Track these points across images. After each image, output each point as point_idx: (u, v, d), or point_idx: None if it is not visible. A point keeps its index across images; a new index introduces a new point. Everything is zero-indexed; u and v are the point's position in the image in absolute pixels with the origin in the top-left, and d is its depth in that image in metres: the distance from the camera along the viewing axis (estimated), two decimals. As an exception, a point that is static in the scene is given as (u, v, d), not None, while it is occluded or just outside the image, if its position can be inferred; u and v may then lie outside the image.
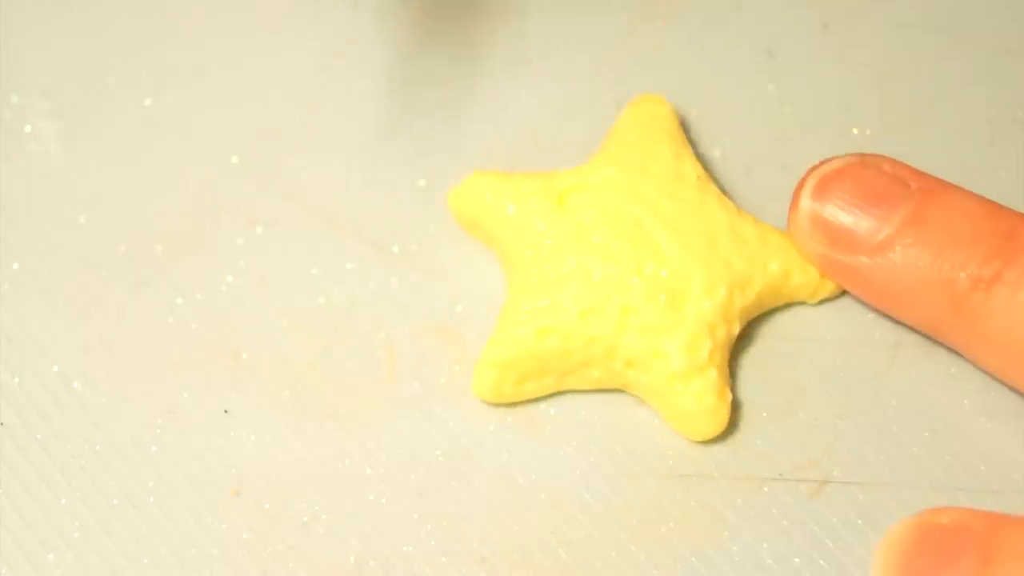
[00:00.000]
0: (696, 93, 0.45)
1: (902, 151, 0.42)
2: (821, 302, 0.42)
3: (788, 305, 0.42)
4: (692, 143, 0.44)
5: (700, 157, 0.43)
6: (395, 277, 0.43)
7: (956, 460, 0.40)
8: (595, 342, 0.40)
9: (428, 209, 0.44)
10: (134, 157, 0.45)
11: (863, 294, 0.41)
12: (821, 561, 0.39)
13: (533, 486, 0.40)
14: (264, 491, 0.40)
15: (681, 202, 0.41)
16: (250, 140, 0.45)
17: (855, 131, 0.45)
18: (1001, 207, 0.40)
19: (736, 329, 0.41)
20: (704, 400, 0.40)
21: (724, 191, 0.43)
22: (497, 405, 0.41)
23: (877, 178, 0.40)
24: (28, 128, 0.45)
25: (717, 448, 0.40)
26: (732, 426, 0.40)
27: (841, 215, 0.40)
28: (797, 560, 0.39)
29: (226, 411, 0.41)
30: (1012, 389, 0.40)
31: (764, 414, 0.41)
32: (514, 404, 0.41)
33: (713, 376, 0.40)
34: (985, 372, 0.41)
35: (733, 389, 0.41)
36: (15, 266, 0.43)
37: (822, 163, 0.41)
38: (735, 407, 0.41)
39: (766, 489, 0.40)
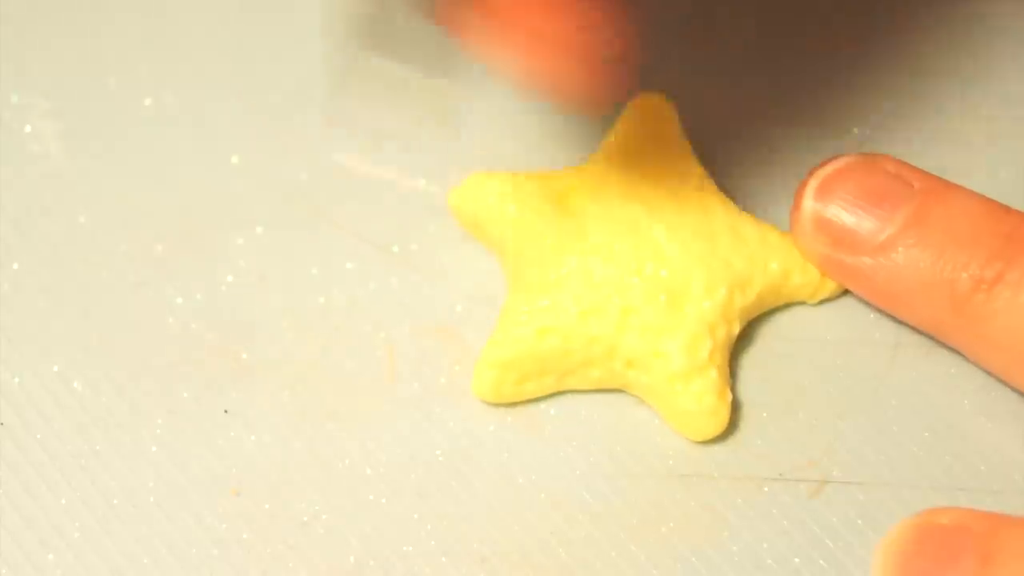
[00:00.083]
0: (696, 92, 0.45)
1: (902, 151, 0.42)
2: (821, 302, 0.42)
3: (788, 305, 0.42)
4: (693, 143, 0.44)
5: (701, 157, 0.43)
6: (395, 277, 0.43)
7: (956, 460, 0.40)
8: (595, 342, 0.40)
9: (428, 209, 0.44)
10: (134, 157, 0.45)
11: (865, 294, 0.41)
12: (821, 561, 0.39)
13: (533, 486, 0.40)
14: (264, 491, 0.40)
15: (681, 202, 0.41)
16: (250, 140, 0.45)
17: (855, 131, 0.45)
18: (1003, 207, 0.40)
19: (736, 329, 0.41)
20: (704, 400, 0.40)
21: (724, 191, 0.43)
22: (497, 405, 0.41)
23: (879, 178, 0.40)
24: (28, 128, 0.45)
25: (717, 448, 0.40)
26: (732, 426, 0.40)
27: (843, 215, 0.40)
28: (797, 560, 0.39)
29: (226, 411, 0.41)
30: (1014, 389, 0.40)
31: (764, 414, 0.41)
32: (514, 404, 0.41)
33: (713, 376, 0.40)
34: (987, 372, 0.41)
35: (733, 389, 0.41)
36: (15, 266, 0.43)
37: (824, 163, 0.41)
38: (735, 407, 0.41)
39: (766, 489, 0.40)
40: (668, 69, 0.45)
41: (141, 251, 0.43)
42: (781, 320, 0.42)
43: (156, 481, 0.40)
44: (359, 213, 0.44)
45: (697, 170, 0.42)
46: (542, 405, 0.41)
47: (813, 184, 0.41)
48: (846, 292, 0.42)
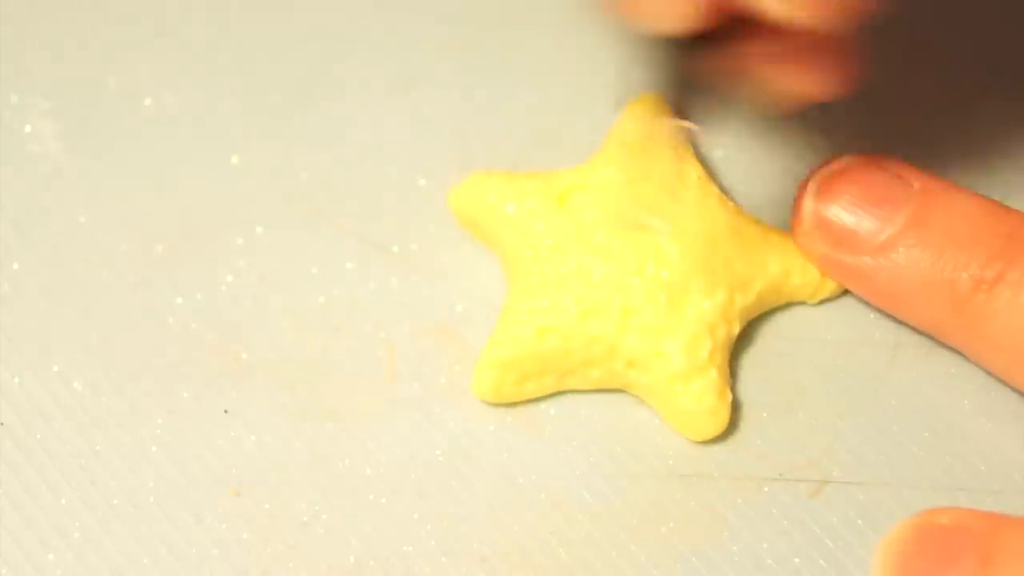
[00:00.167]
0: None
1: (903, 151, 0.42)
2: (821, 302, 0.42)
3: (788, 305, 0.42)
4: (693, 143, 0.44)
5: (701, 158, 0.43)
6: (395, 277, 0.43)
7: (956, 460, 0.40)
8: (595, 342, 0.40)
9: (428, 209, 0.44)
10: (134, 157, 0.45)
11: (866, 294, 0.41)
12: (821, 561, 0.39)
13: (533, 486, 0.40)
14: (264, 491, 0.40)
15: (682, 202, 0.41)
16: (250, 140, 0.45)
17: (855, 131, 0.45)
18: (1003, 207, 0.40)
19: (736, 329, 0.41)
20: (704, 400, 0.40)
21: (725, 191, 0.43)
22: (497, 405, 0.41)
23: (880, 178, 0.40)
24: (28, 128, 0.45)
25: (717, 448, 0.40)
26: (732, 426, 0.40)
27: (844, 216, 0.40)
28: (797, 560, 0.39)
29: (226, 411, 0.41)
30: (1014, 389, 0.40)
31: (764, 414, 0.41)
32: (514, 404, 0.41)
33: (713, 376, 0.40)
34: (987, 372, 0.41)
35: (733, 389, 0.41)
36: (15, 266, 0.43)
37: (825, 163, 0.41)
38: (735, 407, 0.41)
39: (766, 489, 0.40)
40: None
41: (141, 251, 0.43)
42: (781, 320, 0.42)
43: (156, 481, 0.40)
44: (359, 213, 0.44)
45: (698, 170, 0.42)
46: (542, 405, 0.41)
47: (814, 184, 0.41)
48: (846, 292, 0.42)
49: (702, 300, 0.40)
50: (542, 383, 0.41)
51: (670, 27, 0.36)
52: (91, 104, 0.46)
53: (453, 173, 0.44)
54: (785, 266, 0.41)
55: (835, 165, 0.41)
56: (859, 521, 0.39)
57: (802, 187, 0.41)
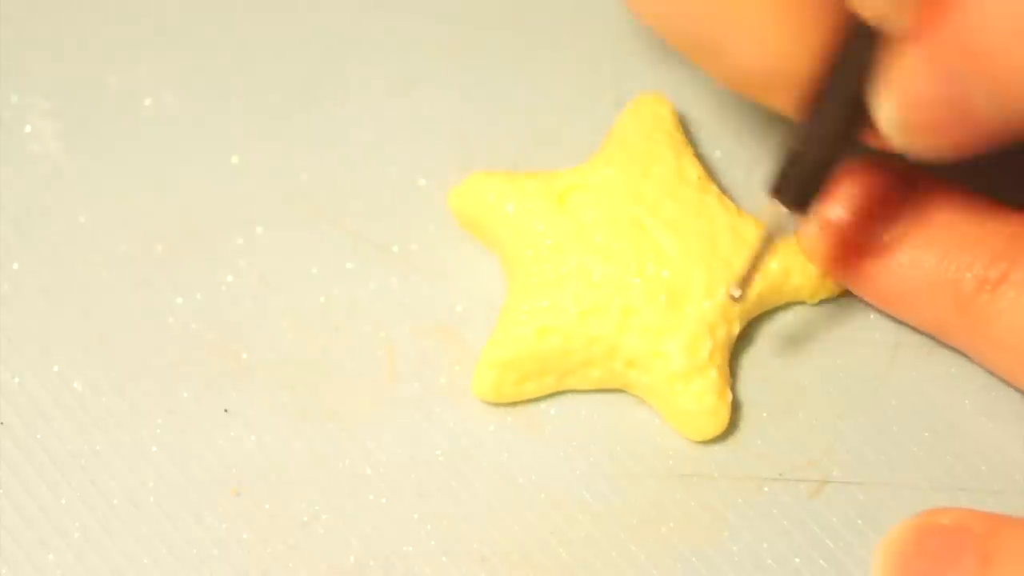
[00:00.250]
0: (696, 93, 0.45)
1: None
2: (821, 302, 0.42)
3: (788, 305, 0.42)
4: (693, 143, 0.44)
5: (701, 157, 0.43)
6: (395, 277, 0.43)
7: (956, 460, 0.40)
8: (595, 342, 0.40)
9: (428, 209, 0.44)
10: (134, 157, 0.45)
11: (868, 296, 0.41)
12: (821, 561, 0.39)
13: (533, 486, 0.40)
14: (264, 491, 0.40)
15: (682, 202, 0.41)
16: (250, 140, 0.45)
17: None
18: (1006, 207, 0.40)
19: (736, 329, 0.41)
20: (704, 400, 0.40)
21: (724, 192, 0.43)
22: (497, 405, 0.41)
23: (882, 179, 0.40)
24: (28, 128, 0.45)
25: (717, 448, 0.40)
26: (732, 426, 0.40)
27: (846, 217, 0.40)
28: (797, 560, 0.39)
29: (226, 411, 0.41)
30: (1017, 390, 0.40)
31: (764, 414, 0.41)
32: (514, 404, 0.41)
33: (713, 376, 0.40)
34: (988, 372, 0.41)
35: (733, 389, 0.41)
36: (15, 266, 0.43)
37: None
38: (735, 407, 0.41)
39: (766, 489, 0.40)
40: (670, 69, 0.45)
41: (141, 251, 0.43)
42: (781, 320, 0.42)
43: (156, 481, 0.40)
44: (359, 213, 0.44)
45: (698, 170, 0.42)
46: (542, 405, 0.41)
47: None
48: (846, 292, 0.42)
49: (702, 300, 0.40)
50: (542, 383, 0.41)
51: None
52: (91, 104, 0.46)
53: (453, 173, 0.44)
54: (785, 266, 0.41)
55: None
56: (859, 521, 0.39)
57: None
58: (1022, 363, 0.39)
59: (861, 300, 0.42)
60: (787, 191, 0.38)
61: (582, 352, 0.40)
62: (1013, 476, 0.40)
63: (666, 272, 0.40)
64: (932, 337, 0.41)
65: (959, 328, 0.40)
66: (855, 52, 0.36)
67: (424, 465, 0.40)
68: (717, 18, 0.36)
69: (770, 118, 0.45)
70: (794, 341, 0.42)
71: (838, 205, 0.40)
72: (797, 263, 0.41)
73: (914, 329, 0.41)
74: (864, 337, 0.42)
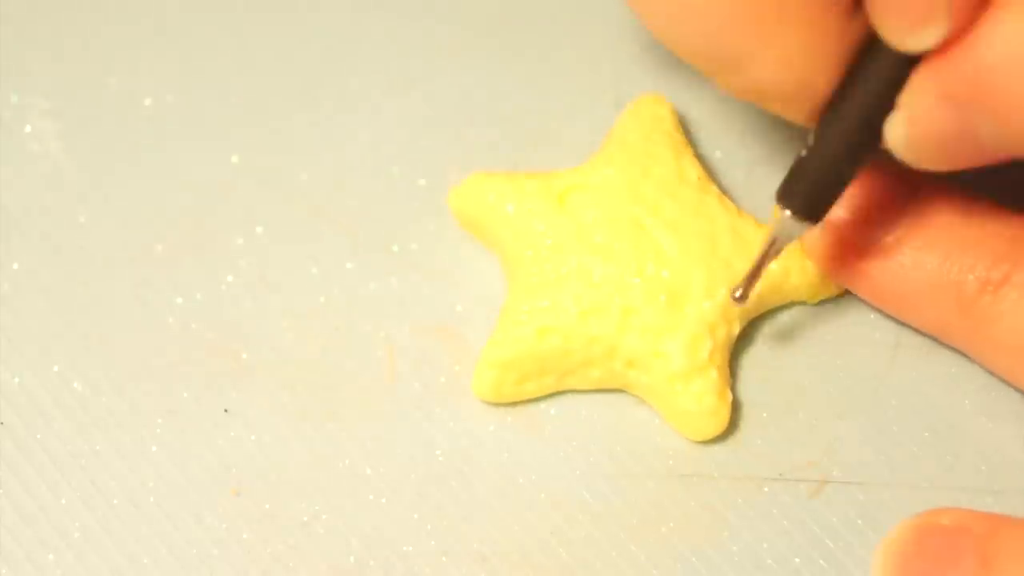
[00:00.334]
0: (696, 93, 0.45)
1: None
2: (821, 302, 0.42)
3: (788, 305, 0.42)
4: (693, 144, 0.44)
5: (701, 158, 0.43)
6: (395, 277, 0.43)
7: (956, 460, 0.40)
8: (595, 342, 0.40)
9: (428, 209, 0.44)
10: (134, 157, 0.45)
11: (870, 297, 0.41)
12: (821, 561, 0.39)
13: (533, 486, 0.40)
14: (264, 491, 0.40)
15: (681, 203, 0.41)
16: (250, 140, 0.45)
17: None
18: (1007, 209, 0.40)
19: (736, 329, 0.41)
20: (704, 400, 0.40)
21: (724, 192, 0.43)
22: (497, 405, 0.41)
23: (884, 181, 0.40)
24: (28, 128, 0.45)
25: (717, 448, 0.40)
26: (732, 426, 0.40)
27: (848, 218, 0.40)
28: (797, 560, 0.39)
29: (226, 411, 0.41)
30: (1019, 391, 0.40)
31: (764, 414, 0.41)
32: (514, 404, 0.41)
33: (713, 376, 0.40)
34: (988, 372, 0.41)
35: (733, 389, 0.41)
36: (15, 266, 0.43)
37: None
38: (735, 407, 0.41)
39: (766, 489, 0.40)
40: (670, 69, 0.45)
41: (141, 251, 0.43)
42: (781, 320, 0.42)
43: (156, 481, 0.40)
44: (359, 213, 0.44)
45: (698, 171, 0.42)
46: (542, 405, 0.41)
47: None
48: (846, 292, 0.42)
49: (702, 300, 0.40)
50: (542, 383, 0.41)
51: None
52: (91, 104, 0.46)
53: (453, 173, 0.44)
54: (785, 266, 0.41)
55: None
56: (859, 521, 0.39)
57: None
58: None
59: (861, 300, 0.42)
60: (794, 198, 0.38)
61: (582, 352, 0.40)
62: (1013, 476, 0.40)
63: (666, 272, 0.40)
64: (932, 337, 0.41)
65: (961, 329, 0.40)
66: (872, 68, 0.36)
67: (424, 465, 0.40)
68: (737, 34, 0.36)
69: (771, 120, 0.45)
70: (794, 341, 0.42)
71: (840, 206, 0.40)
72: (797, 263, 0.41)
73: (914, 329, 0.41)
74: (864, 337, 0.42)
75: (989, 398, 0.41)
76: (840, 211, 0.40)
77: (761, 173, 0.44)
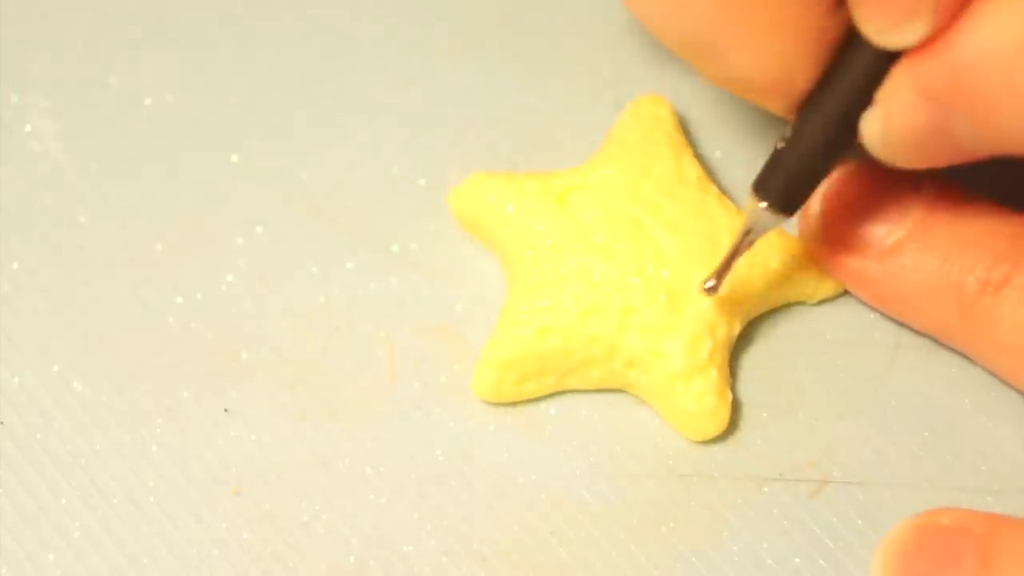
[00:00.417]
0: (696, 93, 0.45)
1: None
2: (821, 302, 0.42)
3: (788, 305, 0.42)
4: (692, 144, 0.44)
5: (700, 158, 0.43)
6: (395, 277, 0.43)
7: (956, 460, 0.40)
8: (595, 342, 0.40)
9: (428, 209, 0.44)
10: (134, 157, 0.45)
11: (871, 298, 0.41)
12: (821, 561, 0.39)
13: (533, 486, 0.40)
14: (264, 491, 0.40)
15: (681, 203, 0.41)
16: (250, 140, 0.45)
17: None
18: (1007, 210, 0.40)
19: (736, 329, 0.41)
20: (704, 400, 0.40)
21: (724, 192, 0.43)
22: (497, 405, 0.41)
23: (885, 182, 0.40)
24: (28, 128, 0.45)
25: (717, 448, 0.40)
26: (732, 426, 0.40)
27: (848, 218, 0.40)
28: (797, 560, 0.39)
29: (226, 411, 0.41)
30: (1019, 391, 0.40)
31: (764, 414, 0.41)
32: (514, 404, 0.41)
33: (713, 376, 0.40)
34: (989, 373, 0.41)
35: (733, 389, 0.41)
36: (15, 266, 0.43)
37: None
38: (735, 407, 0.41)
39: (766, 489, 0.40)
40: (670, 70, 0.45)
41: (141, 251, 0.43)
42: (781, 320, 0.42)
43: (156, 481, 0.40)
44: (359, 213, 0.44)
45: (697, 171, 0.42)
46: (542, 405, 0.41)
47: (820, 188, 0.41)
48: (846, 292, 0.42)
49: (702, 300, 0.40)
50: (542, 383, 0.41)
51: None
52: (91, 104, 0.46)
53: (453, 173, 0.44)
54: (785, 266, 0.41)
55: (841, 171, 0.41)
56: (859, 521, 0.39)
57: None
58: (1024, 365, 0.39)
59: (861, 300, 0.42)
60: (770, 190, 0.38)
61: (582, 352, 0.40)
62: (1013, 476, 0.40)
63: (666, 272, 0.40)
64: (932, 337, 0.41)
65: (961, 330, 0.40)
66: (850, 63, 0.37)
67: (424, 465, 0.40)
68: (720, 25, 0.37)
69: (770, 119, 0.45)
70: (794, 341, 0.42)
71: (840, 206, 0.40)
72: (797, 263, 0.41)
73: (914, 329, 0.41)
74: (864, 337, 0.42)
75: (989, 398, 0.41)
76: (841, 211, 0.40)
77: (761, 173, 0.44)
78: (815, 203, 0.41)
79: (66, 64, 0.46)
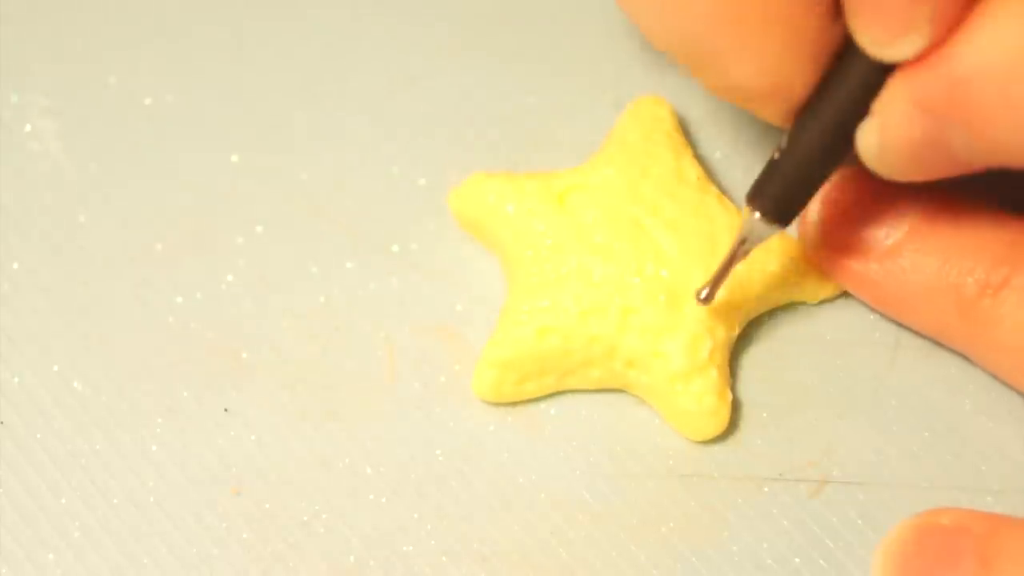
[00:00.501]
0: (696, 94, 0.45)
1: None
2: (821, 302, 0.42)
3: (788, 305, 0.42)
4: (692, 144, 0.44)
5: (700, 158, 0.43)
6: (395, 277, 0.43)
7: (956, 460, 0.40)
8: (595, 342, 0.40)
9: (428, 209, 0.44)
10: (134, 157, 0.45)
11: (871, 300, 0.41)
12: (821, 561, 0.39)
13: (533, 486, 0.40)
14: (264, 491, 0.40)
15: (681, 203, 0.41)
16: (250, 140, 0.45)
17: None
18: (1006, 212, 0.40)
19: (736, 329, 0.41)
20: (704, 400, 0.40)
21: (724, 192, 0.43)
22: (497, 405, 0.41)
23: (884, 185, 0.40)
24: (28, 128, 0.45)
25: (717, 448, 0.40)
26: (732, 426, 0.40)
27: (847, 221, 0.40)
28: (797, 560, 0.39)
29: (226, 410, 0.41)
30: (1019, 392, 0.40)
31: (764, 414, 0.41)
32: (514, 404, 0.41)
33: (713, 376, 0.40)
34: (989, 374, 0.41)
35: (733, 389, 0.41)
36: (15, 266, 0.43)
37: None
38: (735, 407, 0.41)
39: (766, 489, 0.40)
40: (670, 70, 0.45)
41: (141, 251, 0.43)
42: (781, 320, 0.42)
43: (156, 481, 0.40)
44: (359, 213, 0.44)
45: (697, 171, 0.42)
46: (542, 405, 0.41)
47: (819, 193, 0.41)
48: (846, 292, 0.42)
49: (702, 300, 0.40)
50: (542, 383, 0.41)
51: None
52: (91, 104, 0.46)
53: (453, 173, 0.44)
54: (785, 266, 0.41)
55: (840, 174, 0.41)
56: (859, 521, 0.39)
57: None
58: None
59: (861, 300, 0.42)
60: (765, 200, 0.39)
61: (582, 352, 0.40)
62: (1013, 476, 0.40)
63: (666, 272, 0.40)
64: (938, 341, 0.41)
65: (961, 332, 0.40)
66: (847, 74, 0.37)
67: (424, 465, 0.40)
68: (716, 31, 0.37)
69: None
70: (794, 341, 0.42)
71: (839, 209, 0.40)
72: (797, 263, 0.41)
73: (914, 330, 0.41)
74: (864, 337, 0.42)
75: (989, 398, 0.41)
76: (840, 216, 0.40)
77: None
78: (814, 209, 0.41)
79: (66, 64, 0.46)
